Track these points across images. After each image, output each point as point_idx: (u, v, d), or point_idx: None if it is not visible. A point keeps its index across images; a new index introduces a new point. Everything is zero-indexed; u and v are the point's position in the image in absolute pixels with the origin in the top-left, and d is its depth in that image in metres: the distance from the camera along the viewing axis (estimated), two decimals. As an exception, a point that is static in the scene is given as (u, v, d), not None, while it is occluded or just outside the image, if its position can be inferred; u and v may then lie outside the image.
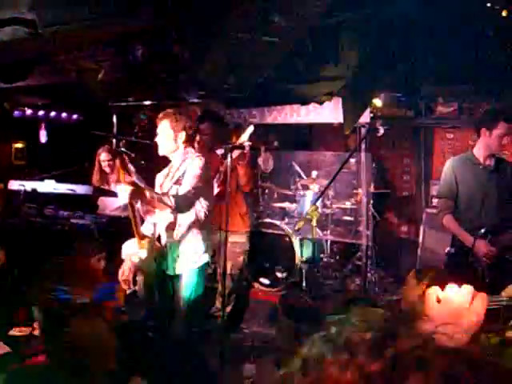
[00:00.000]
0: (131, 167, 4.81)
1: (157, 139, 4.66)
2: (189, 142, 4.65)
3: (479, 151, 4.87)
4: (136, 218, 4.49)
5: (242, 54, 4.26)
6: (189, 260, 4.59)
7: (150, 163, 8.51)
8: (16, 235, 6.48)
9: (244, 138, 5.58)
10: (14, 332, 4.76)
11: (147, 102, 8.08)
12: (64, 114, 9.25)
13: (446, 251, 5.10)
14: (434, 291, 1.49)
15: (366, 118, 6.56)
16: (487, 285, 4.45)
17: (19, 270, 5.82)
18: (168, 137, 4.57)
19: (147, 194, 4.21)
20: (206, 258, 4.64)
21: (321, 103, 6.00)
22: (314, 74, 4.48)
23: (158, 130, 4.63)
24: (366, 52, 4.27)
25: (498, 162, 4.88)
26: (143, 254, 4.49)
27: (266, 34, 3.80)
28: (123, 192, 4.18)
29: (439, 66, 5.32)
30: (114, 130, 8.59)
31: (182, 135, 4.57)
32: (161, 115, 4.65)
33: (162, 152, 4.69)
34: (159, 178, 4.91)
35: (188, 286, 4.57)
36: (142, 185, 4.57)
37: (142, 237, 4.53)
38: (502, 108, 6.46)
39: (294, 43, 4.00)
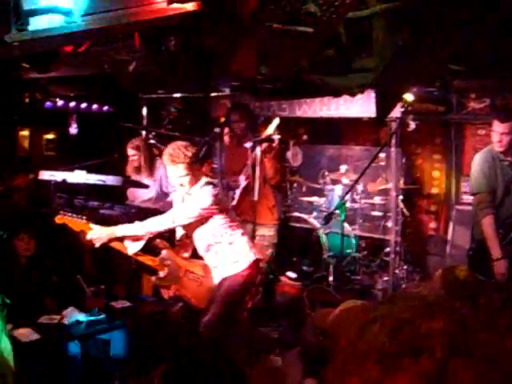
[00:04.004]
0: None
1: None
2: (195, 168, 4.64)
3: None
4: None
5: (276, 44, 4.24)
6: (224, 270, 4.64)
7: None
8: (46, 225, 6.53)
9: (270, 131, 5.58)
10: (44, 320, 4.78)
11: (177, 95, 8.10)
12: (95, 106, 9.29)
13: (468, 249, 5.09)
14: None
15: (396, 112, 6.49)
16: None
17: (49, 259, 5.88)
18: (173, 172, 4.61)
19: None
20: (242, 266, 4.65)
21: (353, 95, 5.95)
22: (347, 65, 4.44)
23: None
24: (399, 44, 4.22)
25: None
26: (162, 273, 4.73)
27: (301, 24, 3.77)
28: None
29: (472, 61, 5.24)
30: (144, 122, 8.63)
31: (183, 167, 4.56)
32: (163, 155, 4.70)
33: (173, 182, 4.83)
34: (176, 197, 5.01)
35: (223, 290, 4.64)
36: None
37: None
38: (496, 106, 6.39)
39: (328, 34, 3.97)
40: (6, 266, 5.37)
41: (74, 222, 4.72)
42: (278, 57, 4.49)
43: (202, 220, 4.55)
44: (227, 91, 6.77)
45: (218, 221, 4.58)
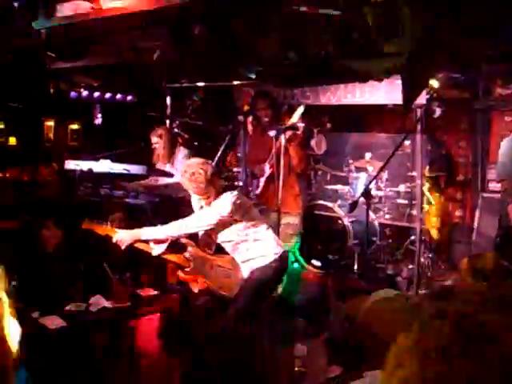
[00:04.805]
0: None
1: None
2: (215, 181, 4.67)
3: None
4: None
5: (302, 28, 4.19)
6: (253, 263, 4.67)
7: (203, 144, 8.57)
8: (71, 214, 6.56)
9: (294, 119, 5.55)
10: (71, 307, 4.82)
11: (201, 84, 8.08)
12: (119, 96, 9.31)
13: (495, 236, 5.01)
14: None
15: (422, 99, 6.40)
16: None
17: (76, 247, 5.91)
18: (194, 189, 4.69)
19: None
20: (270, 259, 4.66)
21: (379, 81, 5.88)
22: (374, 49, 4.38)
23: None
24: (427, 28, 4.15)
25: None
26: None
27: (327, 7, 3.72)
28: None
29: (499, 45, 5.15)
30: (168, 111, 8.63)
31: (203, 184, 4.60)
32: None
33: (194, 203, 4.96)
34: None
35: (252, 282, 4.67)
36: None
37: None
38: None
39: (355, 17, 3.92)
40: (33, 255, 5.40)
41: (100, 227, 4.95)
42: (304, 41, 4.44)
43: (226, 224, 4.59)
44: (252, 79, 6.71)
45: (240, 224, 4.63)
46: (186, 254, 4.85)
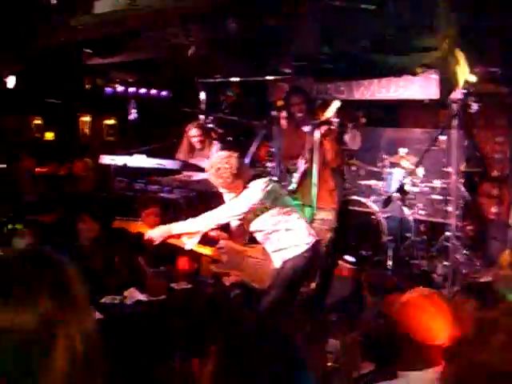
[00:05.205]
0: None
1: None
2: (243, 173, 4.65)
3: None
4: None
5: (338, 22, 4.17)
6: (285, 253, 4.63)
7: (237, 139, 8.60)
8: (107, 208, 6.65)
9: (329, 114, 5.52)
10: (106, 300, 4.87)
11: (235, 79, 8.10)
12: (153, 91, 9.40)
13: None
14: None
15: (458, 94, 6.32)
16: None
17: (111, 241, 5.98)
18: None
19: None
20: (302, 248, 4.63)
21: (415, 75, 5.82)
22: (409, 44, 4.34)
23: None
24: (462, 22, 4.10)
25: None
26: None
27: (363, 1, 3.70)
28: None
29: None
30: (202, 106, 8.67)
31: (230, 179, 4.59)
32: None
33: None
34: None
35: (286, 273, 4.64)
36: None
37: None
38: None
39: (390, 11, 3.88)
40: (69, 248, 5.48)
41: (131, 225, 5.02)
42: (340, 36, 4.42)
43: (257, 212, 4.57)
44: (286, 74, 6.71)
45: (272, 211, 4.59)
46: (219, 247, 4.84)
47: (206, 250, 4.89)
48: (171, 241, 4.82)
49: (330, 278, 6.62)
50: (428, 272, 7.13)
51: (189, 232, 4.74)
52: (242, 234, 4.96)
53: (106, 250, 5.72)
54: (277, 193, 4.71)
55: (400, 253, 7.23)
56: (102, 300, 4.83)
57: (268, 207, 4.56)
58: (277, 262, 4.66)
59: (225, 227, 5.00)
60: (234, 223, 4.96)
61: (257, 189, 4.54)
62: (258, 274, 4.77)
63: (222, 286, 5.26)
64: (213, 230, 4.83)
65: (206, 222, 4.66)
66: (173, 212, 6.39)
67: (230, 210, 4.63)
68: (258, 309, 4.63)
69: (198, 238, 4.77)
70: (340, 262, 7.09)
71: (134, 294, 4.95)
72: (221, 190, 4.81)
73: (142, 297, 4.93)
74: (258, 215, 4.59)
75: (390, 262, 6.98)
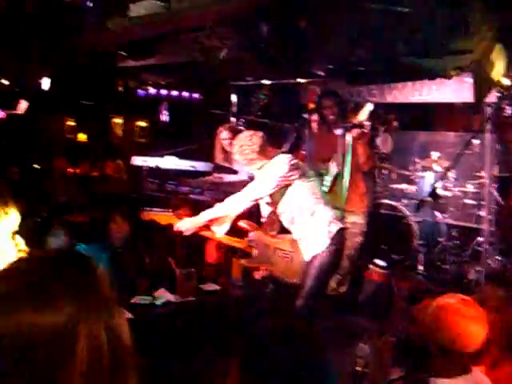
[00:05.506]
0: None
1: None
2: (267, 152, 4.63)
3: None
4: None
5: (371, 25, 4.15)
6: (310, 243, 4.53)
7: (269, 141, 8.59)
8: (138, 209, 6.71)
9: (362, 117, 5.48)
10: (136, 300, 4.91)
11: (266, 81, 8.11)
12: (185, 93, 9.45)
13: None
14: None
15: (492, 97, 6.25)
16: None
17: (142, 241, 6.02)
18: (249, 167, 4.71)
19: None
20: (326, 238, 4.53)
21: (449, 78, 5.76)
22: (444, 47, 4.30)
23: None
24: (495, 25, 4.05)
25: None
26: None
27: (396, 4, 3.67)
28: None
29: None
30: (234, 109, 8.69)
31: (255, 158, 4.58)
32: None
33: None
34: None
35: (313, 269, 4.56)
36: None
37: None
38: None
39: (424, 14, 3.85)
40: (101, 248, 5.53)
41: (160, 216, 4.93)
42: (373, 38, 4.39)
43: (283, 190, 4.52)
44: (318, 76, 6.69)
45: (300, 188, 4.51)
46: (249, 240, 4.80)
47: (235, 241, 4.84)
48: (202, 233, 4.79)
49: (360, 282, 6.58)
50: (460, 277, 7.05)
51: (218, 218, 4.68)
52: (273, 224, 4.90)
53: (136, 250, 5.77)
54: (303, 169, 4.64)
55: (431, 257, 7.17)
56: (133, 300, 4.88)
57: (295, 184, 4.52)
58: (305, 253, 4.54)
59: (255, 217, 4.98)
60: (266, 211, 4.93)
61: (282, 161, 4.48)
62: (287, 268, 4.69)
63: (252, 287, 5.26)
64: (243, 218, 4.81)
65: (234, 204, 4.58)
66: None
67: (257, 188, 4.55)
68: (292, 305, 4.57)
69: (227, 226, 4.73)
70: (370, 266, 7.05)
71: (164, 295, 4.98)
72: (246, 169, 4.79)
73: (171, 297, 4.96)
74: (283, 194, 4.51)
75: (421, 267, 6.92)
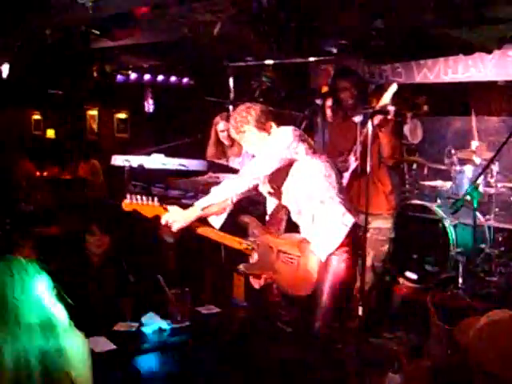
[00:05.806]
0: None
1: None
2: (267, 124, 4.64)
3: None
4: None
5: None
6: (321, 240, 4.47)
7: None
8: (121, 218, 6.73)
9: (386, 100, 5.49)
10: (120, 327, 4.92)
11: (270, 61, 8.13)
12: (173, 78, 9.47)
13: None
14: None
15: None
16: None
17: (126, 258, 6.03)
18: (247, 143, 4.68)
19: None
20: (339, 234, 4.48)
21: (488, 53, 5.77)
22: (481, 15, 4.31)
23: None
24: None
25: None
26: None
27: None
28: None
29: None
30: (231, 95, 8.71)
31: (253, 130, 4.57)
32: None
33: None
34: None
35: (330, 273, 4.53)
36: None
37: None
38: None
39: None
40: (76, 266, 5.55)
41: (146, 207, 4.59)
42: (395, 8, 4.39)
43: (287, 169, 4.51)
44: (332, 54, 6.69)
45: (309, 165, 4.49)
46: (250, 239, 4.76)
47: (234, 242, 4.74)
48: (199, 230, 4.63)
49: (388, 298, 6.60)
50: (508, 290, 7.06)
51: (215, 206, 4.56)
52: (280, 220, 4.88)
53: (118, 267, 5.78)
54: (309, 141, 4.58)
55: (473, 268, 7.18)
56: (115, 327, 4.89)
57: (301, 160, 4.49)
58: (318, 252, 4.49)
59: (260, 213, 4.98)
60: (271, 206, 4.92)
61: (285, 132, 4.47)
62: (292, 277, 4.62)
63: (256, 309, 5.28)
64: (245, 213, 4.82)
65: (233, 185, 4.56)
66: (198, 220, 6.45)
67: (258, 163, 4.52)
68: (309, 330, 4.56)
69: (225, 215, 4.65)
70: (400, 280, 7.07)
71: (153, 320, 5.00)
72: (247, 149, 4.78)
73: (161, 323, 4.98)
74: (288, 174, 4.49)
75: (460, 280, 6.93)
